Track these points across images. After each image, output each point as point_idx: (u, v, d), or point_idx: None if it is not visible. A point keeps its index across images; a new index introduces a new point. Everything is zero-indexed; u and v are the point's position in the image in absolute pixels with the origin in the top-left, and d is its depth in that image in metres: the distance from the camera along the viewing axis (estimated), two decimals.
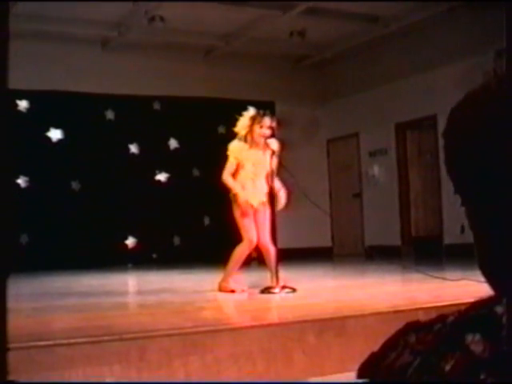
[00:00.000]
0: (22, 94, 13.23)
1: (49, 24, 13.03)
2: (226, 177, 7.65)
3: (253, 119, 7.65)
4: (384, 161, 15.57)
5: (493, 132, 0.87)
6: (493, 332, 0.80)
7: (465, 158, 0.91)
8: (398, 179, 15.29)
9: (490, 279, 0.93)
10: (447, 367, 0.80)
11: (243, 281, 7.91)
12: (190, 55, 15.12)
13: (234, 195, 7.64)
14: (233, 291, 7.52)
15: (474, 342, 0.80)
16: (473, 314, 0.84)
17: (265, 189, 7.67)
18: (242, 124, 7.70)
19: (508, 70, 0.87)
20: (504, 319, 0.81)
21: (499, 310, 0.82)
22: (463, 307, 0.87)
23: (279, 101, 15.60)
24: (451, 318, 0.85)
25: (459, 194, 0.94)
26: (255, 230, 7.59)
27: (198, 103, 15.11)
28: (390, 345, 0.88)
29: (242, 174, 7.66)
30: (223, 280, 7.65)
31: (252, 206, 7.62)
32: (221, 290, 7.59)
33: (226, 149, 7.77)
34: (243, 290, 7.61)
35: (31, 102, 13.81)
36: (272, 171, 7.62)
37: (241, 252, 7.64)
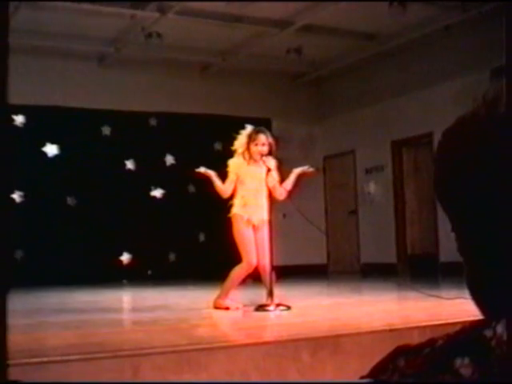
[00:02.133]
0: (19, 109, 13.23)
1: (45, 39, 13.07)
2: (220, 184, 7.67)
3: (249, 137, 7.67)
4: (380, 178, 15.58)
5: (482, 159, 0.88)
6: (482, 356, 0.80)
7: (454, 185, 0.92)
8: (393, 196, 15.30)
9: (480, 301, 0.94)
10: None
11: (238, 298, 7.89)
12: (186, 71, 15.15)
13: (234, 215, 7.62)
14: (227, 308, 7.50)
15: (463, 366, 0.80)
16: (462, 338, 0.84)
17: (266, 206, 7.65)
18: (240, 142, 7.73)
19: (508, 82, 0.87)
20: (493, 342, 0.81)
21: (488, 333, 0.82)
22: (452, 330, 0.87)
23: (276, 118, 15.62)
24: (440, 342, 0.85)
25: (449, 218, 0.95)
26: (255, 251, 7.56)
27: (194, 119, 15.13)
28: (379, 368, 0.87)
29: (242, 191, 7.65)
30: (218, 297, 7.63)
31: (253, 224, 7.60)
32: (216, 306, 7.57)
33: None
34: (237, 308, 7.58)
35: (27, 117, 13.82)
36: (274, 187, 7.64)
37: (239, 273, 7.61)
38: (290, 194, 7.72)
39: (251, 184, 7.64)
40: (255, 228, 7.61)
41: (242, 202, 7.62)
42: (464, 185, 0.90)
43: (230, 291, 7.67)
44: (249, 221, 7.58)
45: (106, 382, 4.11)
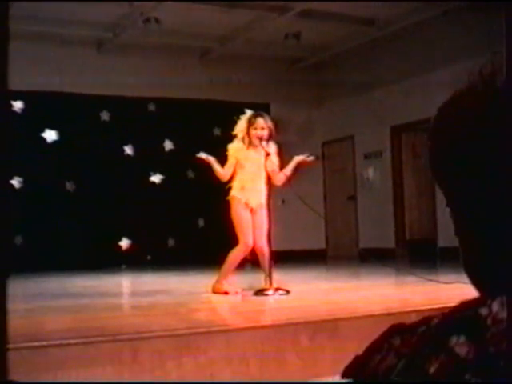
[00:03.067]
0: (17, 95, 13.21)
1: (44, 25, 13.04)
2: (219, 169, 7.69)
3: (248, 121, 7.68)
4: (379, 163, 15.59)
5: (479, 134, 0.87)
6: (477, 334, 0.80)
7: (450, 160, 0.91)
8: (392, 182, 15.31)
9: (475, 280, 0.94)
10: (432, 369, 0.80)
11: (237, 283, 7.91)
12: (185, 57, 15.13)
13: (232, 197, 7.66)
14: (226, 293, 7.52)
15: (459, 344, 0.80)
16: (457, 317, 0.83)
17: (264, 190, 7.69)
18: (239, 127, 7.74)
19: (508, 71, 0.87)
20: (489, 321, 0.81)
21: (484, 311, 0.82)
22: (446, 309, 0.87)
23: (274, 103, 15.59)
24: (435, 321, 0.85)
25: (444, 195, 0.95)
26: (252, 233, 7.59)
27: (193, 105, 15.12)
28: (375, 347, 0.88)
29: (241, 175, 7.67)
30: (217, 281, 7.65)
31: (251, 207, 7.63)
32: (214, 291, 7.58)
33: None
34: (237, 292, 7.60)
35: (26, 103, 13.79)
36: (267, 173, 7.64)
37: (236, 255, 7.64)
38: (289, 180, 7.72)
39: (250, 168, 7.65)
40: (253, 211, 7.64)
41: (239, 185, 7.65)
42: (460, 159, 0.90)
43: (228, 275, 7.68)
44: (246, 204, 7.61)
45: (105, 382, 4.13)
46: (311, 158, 7.94)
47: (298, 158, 7.84)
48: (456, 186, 0.92)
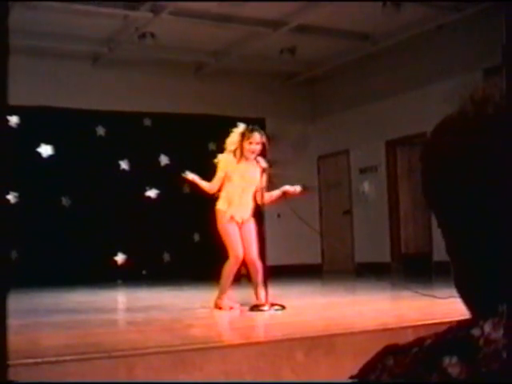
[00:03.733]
0: (13, 110, 13.19)
1: (39, 40, 13.05)
2: (205, 184, 7.71)
3: (242, 135, 7.66)
4: (374, 178, 15.60)
5: (468, 162, 0.88)
6: (470, 355, 0.80)
7: (440, 185, 0.92)
8: (388, 196, 15.32)
9: (465, 298, 0.94)
10: None
11: (233, 298, 7.89)
12: (180, 72, 15.15)
13: (217, 210, 7.66)
14: (231, 308, 7.52)
15: (451, 365, 0.80)
16: (450, 338, 0.84)
17: (251, 205, 7.70)
18: (232, 140, 7.72)
19: (508, 81, 0.87)
20: (481, 342, 0.81)
21: (476, 332, 0.82)
22: (440, 330, 0.87)
23: (269, 117, 15.61)
24: (428, 342, 0.85)
25: (435, 216, 0.95)
26: (241, 245, 7.58)
27: (188, 120, 15.13)
28: (369, 368, 0.88)
29: (229, 188, 7.66)
30: (218, 298, 7.64)
31: (236, 221, 7.64)
32: (216, 307, 7.57)
33: (216, 165, 7.79)
34: (232, 308, 7.58)
35: (22, 118, 13.79)
36: (262, 189, 7.63)
37: (229, 269, 7.63)
38: (264, 204, 7.72)
39: (238, 181, 7.64)
40: (239, 224, 7.65)
41: (226, 199, 7.66)
42: (451, 183, 0.90)
43: (226, 289, 7.67)
44: (232, 217, 7.61)
45: (104, 382, 4.12)
46: (299, 190, 7.92)
47: (284, 188, 7.83)
48: (445, 209, 0.93)
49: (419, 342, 0.86)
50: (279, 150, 13.94)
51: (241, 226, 7.65)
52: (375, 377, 0.86)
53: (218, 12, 12.32)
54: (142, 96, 14.63)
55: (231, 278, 7.68)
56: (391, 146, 15.25)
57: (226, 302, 7.61)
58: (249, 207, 7.68)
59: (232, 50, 14.36)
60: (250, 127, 7.79)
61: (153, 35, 12.98)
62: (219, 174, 7.70)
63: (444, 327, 0.87)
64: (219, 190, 7.72)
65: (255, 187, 7.67)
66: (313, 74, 16.07)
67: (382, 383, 0.85)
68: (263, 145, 7.67)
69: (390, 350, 0.88)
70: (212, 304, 7.64)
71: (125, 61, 14.45)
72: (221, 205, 7.68)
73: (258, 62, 14.94)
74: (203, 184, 7.75)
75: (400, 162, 15.31)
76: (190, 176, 7.80)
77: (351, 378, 0.90)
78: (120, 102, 14.42)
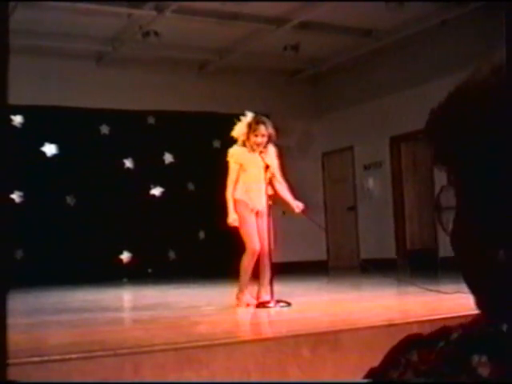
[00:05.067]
0: (17, 109, 13.22)
1: (43, 39, 13.06)
2: (229, 196, 7.57)
3: (249, 126, 7.58)
4: (379, 174, 15.59)
5: (486, 126, 0.83)
6: (500, 353, 0.76)
7: (459, 147, 0.87)
8: (392, 192, 15.31)
9: (474, 289, 0.89)
10: None
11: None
12: (184, 70, 15.15)
13: (237, 200, 7.54)
14: (248, 305, 7.47)
15: (481, 365, 0.76)
16: (477, 333, 0.79)
17: (265, 196, 7.57)
18: (240, 130, 7.62)
19: (508, 71, 0.84)
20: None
21: (505, 328, 0.78)
22: (465, 321, 0.83)
23: (274, 114, 15.54)
24: (455, 335, 0.81)
25: (448, 175, 0.90)
26: (257, 237, 7.52)
27: (192, 117, 15.13)
28: (391, 361, 0.84)
29: (245, 178, 7.56)
30: (239, 291, 7.57)
31: (257, 210, 7.56)
32: (237, 303, 7.51)
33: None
34: (248, 305, 7.50)
35: (26, 117, 13.81)
36: (266, 185, 7.57)
37: (247, 263, 7.50)
38: (275, 195, 7.70)
39: (253, 171, 7.52)
40: (257, 214, 7.56)
41: (243, 188, 7.56)
42: (472, 146, 0.85)
43: (246, 284, 7.57)
44: (252, 208, 7.53)
45: (106, 382, 4.12)
46: (297, 211, 7.86)
47: (292, 201, 7.80)
48: (464, 166, 0.87)
49: (444, 334, 0.82)
50: (284, 146, 13.92)
51: (258, 216, 7.57)
52: (398, 373, 0.82)
53: (221, 10, 12.32)
54: (146, 94, 14.64)
55: (250, 271, 7.53)
56: (395, 142, 15.24)
57: (246, 297, 7.55)
58: (264, 198, 7.57)
59: (236, 48, 14.36)
60: (256, 118, 7.70)
61: (156, 33, 12.98)
62: (234, 167, 7.57)
63: (450, 322, 0.83)
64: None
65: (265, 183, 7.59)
66: (317, 70, 16.06)
67: (410, 383, 0.80)
68: (269, 136, 7.60)
69: (413, 342, 0.84)
70: (228, 300, 7.58)
71: (129, 59, 14.46)
72: (239, 194, 7.55)
73: (262, 59, 14.93)
74: (231, 204, 7.67)
75: (404, 158, 15.30)
76: (236, 223, 7.67)
77: (371, 371, 0.86)
78: (124, 101, 14.43)
